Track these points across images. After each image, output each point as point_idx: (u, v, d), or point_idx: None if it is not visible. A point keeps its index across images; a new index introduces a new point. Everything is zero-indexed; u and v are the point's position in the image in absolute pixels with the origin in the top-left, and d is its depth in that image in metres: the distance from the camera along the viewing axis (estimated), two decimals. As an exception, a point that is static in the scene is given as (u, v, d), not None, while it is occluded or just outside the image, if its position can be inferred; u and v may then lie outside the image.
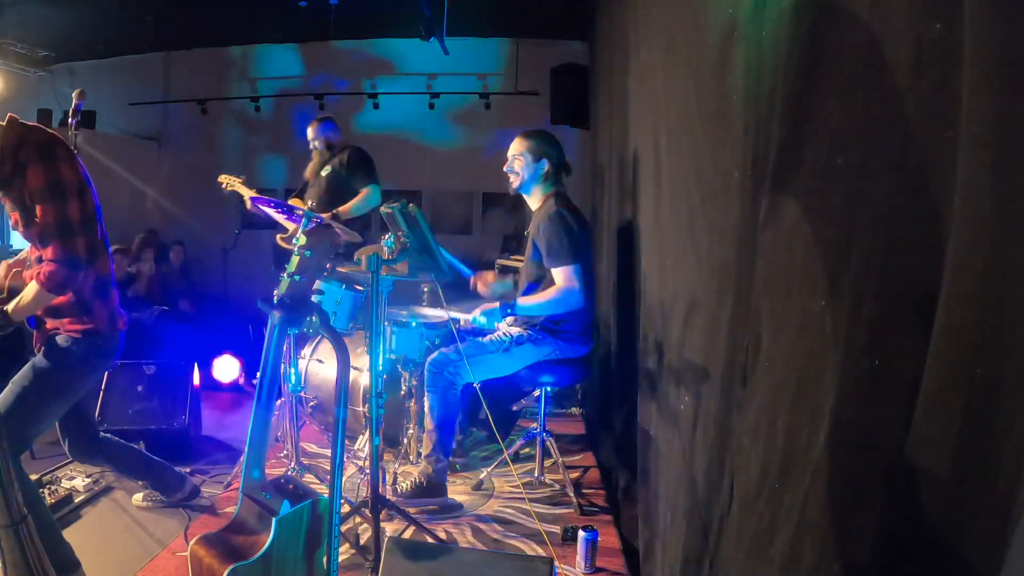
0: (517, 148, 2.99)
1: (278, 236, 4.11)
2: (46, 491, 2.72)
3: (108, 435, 2.61)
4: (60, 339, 2.18)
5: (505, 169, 3.03)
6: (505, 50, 7.45)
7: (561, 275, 2.80)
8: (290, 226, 4.00)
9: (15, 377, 2.14)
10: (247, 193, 4.08)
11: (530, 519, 2.74)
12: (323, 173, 4.18)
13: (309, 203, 4.10)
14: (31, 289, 2.04)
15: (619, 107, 3.38)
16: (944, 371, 0.79)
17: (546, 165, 2.97)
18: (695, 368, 1.74)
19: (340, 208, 3.96)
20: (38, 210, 2.00)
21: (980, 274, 0.75)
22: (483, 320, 2.84)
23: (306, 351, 3.51)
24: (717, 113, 1.58)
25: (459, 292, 3.22)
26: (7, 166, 2.00)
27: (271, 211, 3.73)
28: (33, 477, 2.85)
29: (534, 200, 3.03)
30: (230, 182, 4.14)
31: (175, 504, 2.78)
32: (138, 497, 2.82)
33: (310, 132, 4.29)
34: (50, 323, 2.20)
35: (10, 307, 2.06)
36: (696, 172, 1.77)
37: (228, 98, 7.75)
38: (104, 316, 2.22)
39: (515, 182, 3.01)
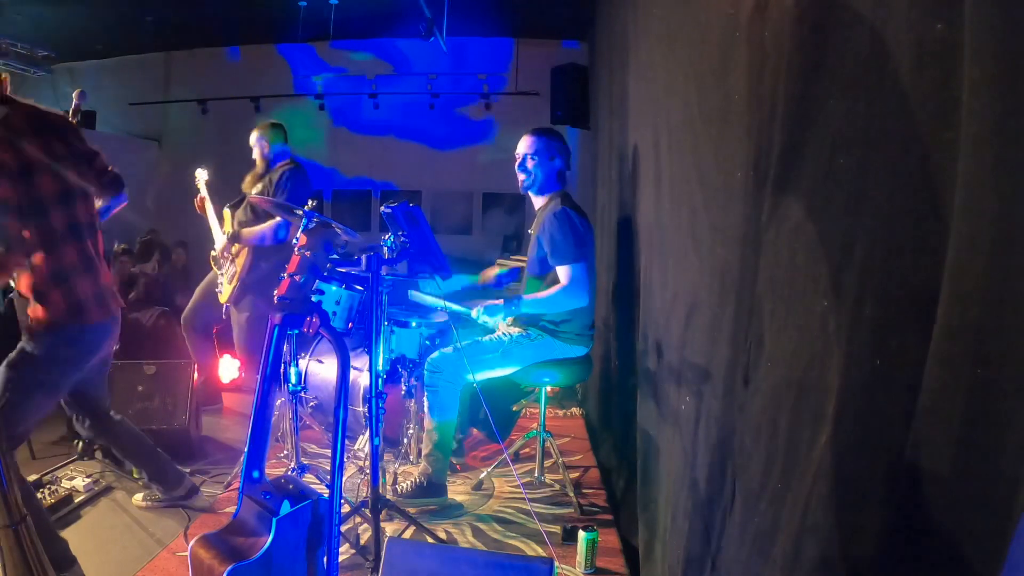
0: (531, 146, 2.91)
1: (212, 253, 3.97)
2: (46, 491, 2.72)
3: (123, 418, 2.63)
4: (28, 333, 2.15)
5: (517, 168, 2.96)
6: (505, 50, 7.46)
7: (565, 273, 2.78)
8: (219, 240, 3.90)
9: None
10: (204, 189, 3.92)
11: (530, 519, 2.74)
12: (253, 191, 3.85)
13: (235, 222, 3.86)
14: None
15: (619, 107, 3.38)
16: (945, 371, 0.79)
17: (560, 164, 2.94)
18: (696, 368, 1.74)
19: (244, 229, 3.71)
20: None
21: (980, 274, 0.75)
22: (485, 318, 2.81)
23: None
24: (719, 113, 1.58)
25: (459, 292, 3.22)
26: None
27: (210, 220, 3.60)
28: (33, 477, 2.86)
29: (539, 199, 3.00)
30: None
31: (173, 503, 2.78)
32: (138, 497, 2.82)
33: (251, 138, 3.94)
34: (30, 313, 2.17)
35: None
36: (698, 172, 1.77)
37: (228, 98, 7.76)
38: (63, 308, 2.14)
39: (528, 182, 2.94)
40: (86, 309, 2.19)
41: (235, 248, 3.81)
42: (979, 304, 0.75)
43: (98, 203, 2.41)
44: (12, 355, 2.14)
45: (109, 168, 2.40)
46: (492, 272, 3.21)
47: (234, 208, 3.93)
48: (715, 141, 1.62)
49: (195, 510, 2.78)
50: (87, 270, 2.20)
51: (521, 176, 2.95)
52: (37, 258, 2.09)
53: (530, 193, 3.00)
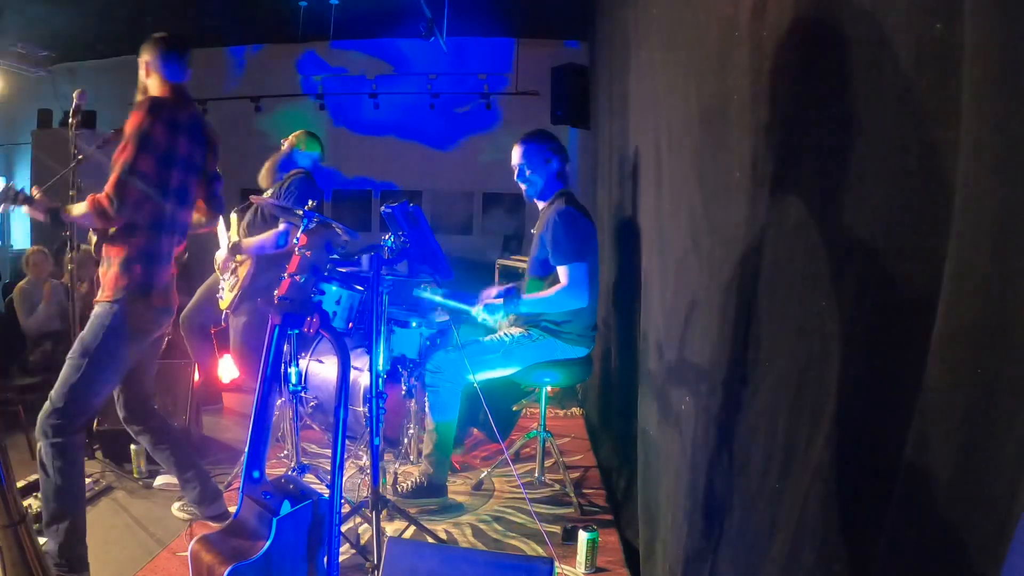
0: (522, 156, 2.93)
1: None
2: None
3: (166, 414, 2.73)
4: (98, 307, 2.31)
5: (516, 179, 2.98)
6: (505, 50, 7.46)
7: (566, 273, 2.78)
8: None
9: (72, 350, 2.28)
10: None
11: (530, 519, 2.74)
12: (266, 194, 3.78)
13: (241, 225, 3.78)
14: (83, 204, 2.23)
15: (620, 107, 3.38)
16: (944, 371, 0.79)
17: (557, 164, 2.94)
18: (696, 368, 1.74)
19: (245, 239, 3.67)
20: (120, 146, 2.24)
21: (980, 274, 0.75)
22: (485, 315, 2.80)
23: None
24: (718, 113, 1.59)
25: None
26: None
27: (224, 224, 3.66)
28: (33, 477, 2.85)
29: (543, 201, 3.01)
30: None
31: (213, 518, 2.64)
32: (175, 507, 2.77)
33: (285, 145, 3.93)
34: (103, 279, 2.36)
35: (68, 207, 2.30)
36: (697, 172, 1.77)
37: (228, 98, 7.76)
38: (140, 283, 2.32)
39: (530, 190, 2.95)
40: (156, 292, 2.41)
41: (239, 257, 3.81)
42: (979, 304, 0.75)
43: (195, 216, 2.70)
44: (83, 332, 2.29)
45: (218, 195, 2.78)
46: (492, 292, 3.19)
47: (241, 213, 3.94)
48: (715, 141, 1.62)
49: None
50: (166, 262, 2.48)
51: (522, 186, 2.98)
52: (140, 232, 2.32)
53: (537, 200, 3.01)
